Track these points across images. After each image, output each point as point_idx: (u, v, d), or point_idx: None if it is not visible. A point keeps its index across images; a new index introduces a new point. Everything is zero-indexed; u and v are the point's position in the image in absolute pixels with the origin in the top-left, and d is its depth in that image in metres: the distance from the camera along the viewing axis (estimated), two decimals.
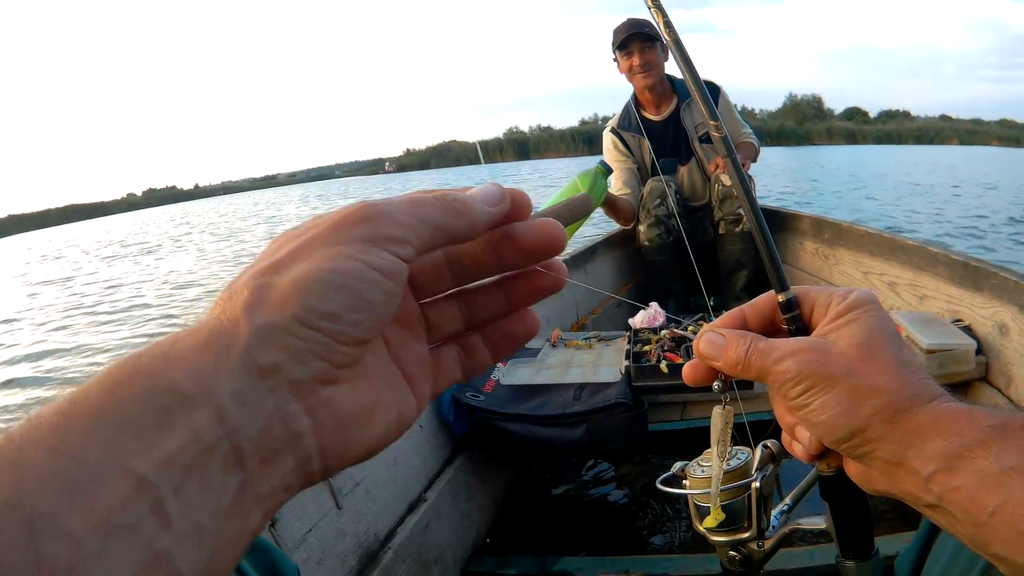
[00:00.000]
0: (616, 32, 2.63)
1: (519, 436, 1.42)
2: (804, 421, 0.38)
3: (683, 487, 0.50)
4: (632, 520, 1.48)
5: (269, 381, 0.23)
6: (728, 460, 0.48)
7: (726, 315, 0.44)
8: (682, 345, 1.65)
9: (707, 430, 0.45)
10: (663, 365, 1.53)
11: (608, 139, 2.76)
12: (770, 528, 0.50)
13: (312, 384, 0.24)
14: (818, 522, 0.48)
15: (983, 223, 8.46)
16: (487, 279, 0.34)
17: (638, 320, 1.98)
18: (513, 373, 1.60)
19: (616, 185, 2.66)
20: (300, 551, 0.98)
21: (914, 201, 12.05)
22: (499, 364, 1.61)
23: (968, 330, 1.51)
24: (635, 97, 2.76)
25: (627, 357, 1.60)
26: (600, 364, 1.67)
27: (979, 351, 1.46)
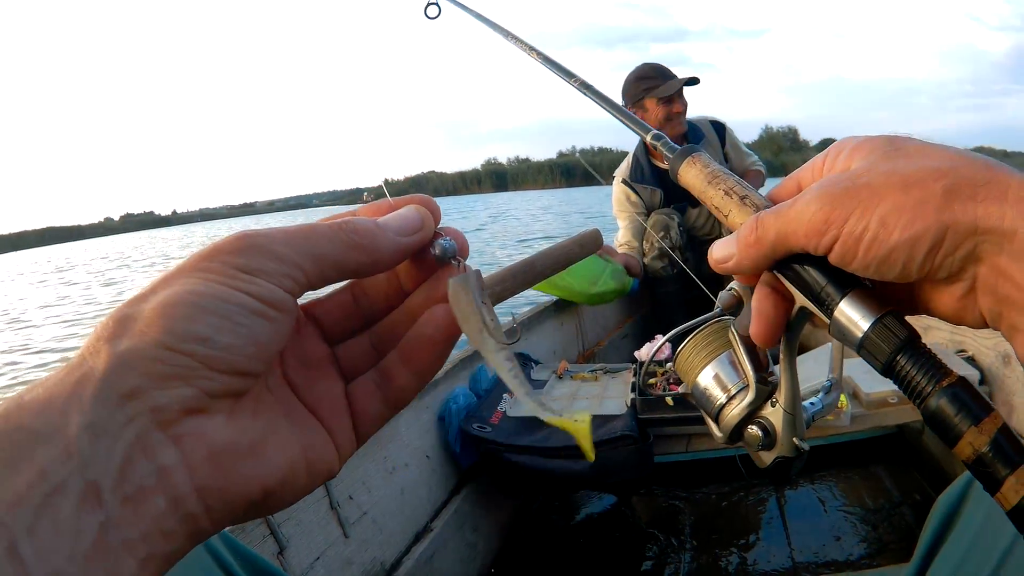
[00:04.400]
0: (648, 79, 2.51)
1: (525, 467, 1.42)
2: (871, 259, 0.28)
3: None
4: (637, 551, 1.47)
5: (129, 409, 0.21)
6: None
7: None
8: None
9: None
10: (668, 399, 1.54)
11: (620, 191, 2.69)
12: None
13: (178, 412, 0.22)
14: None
15: None
16: (395, 308, 0.32)
17: (644, 352, 1.99)
18: (520, 405, 1.60)
19: (624, 237, 2.66)
20: None
21: None
22: (505, 395, 1.62)
23: (971, 360, 1.52)
24: (644, 146, 2.65)
25: (633, 390, 1.61)
26: (606, 396, 1.68)
27: (982, 381, 1.47)
